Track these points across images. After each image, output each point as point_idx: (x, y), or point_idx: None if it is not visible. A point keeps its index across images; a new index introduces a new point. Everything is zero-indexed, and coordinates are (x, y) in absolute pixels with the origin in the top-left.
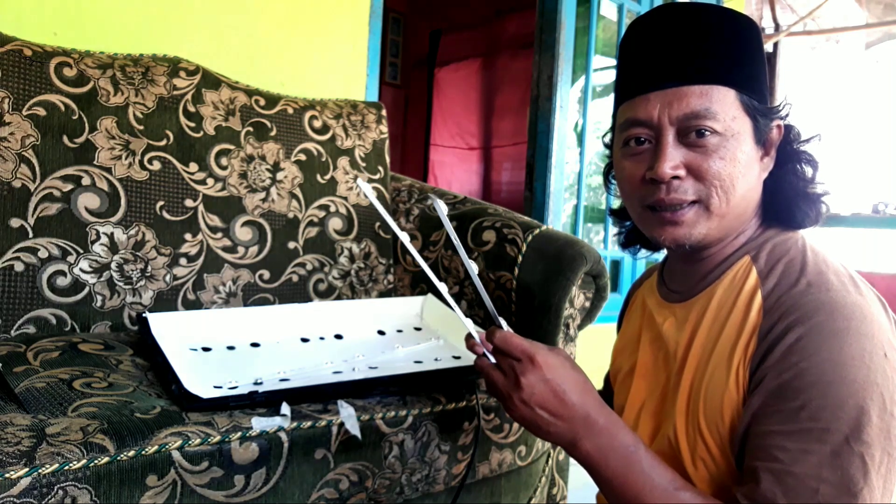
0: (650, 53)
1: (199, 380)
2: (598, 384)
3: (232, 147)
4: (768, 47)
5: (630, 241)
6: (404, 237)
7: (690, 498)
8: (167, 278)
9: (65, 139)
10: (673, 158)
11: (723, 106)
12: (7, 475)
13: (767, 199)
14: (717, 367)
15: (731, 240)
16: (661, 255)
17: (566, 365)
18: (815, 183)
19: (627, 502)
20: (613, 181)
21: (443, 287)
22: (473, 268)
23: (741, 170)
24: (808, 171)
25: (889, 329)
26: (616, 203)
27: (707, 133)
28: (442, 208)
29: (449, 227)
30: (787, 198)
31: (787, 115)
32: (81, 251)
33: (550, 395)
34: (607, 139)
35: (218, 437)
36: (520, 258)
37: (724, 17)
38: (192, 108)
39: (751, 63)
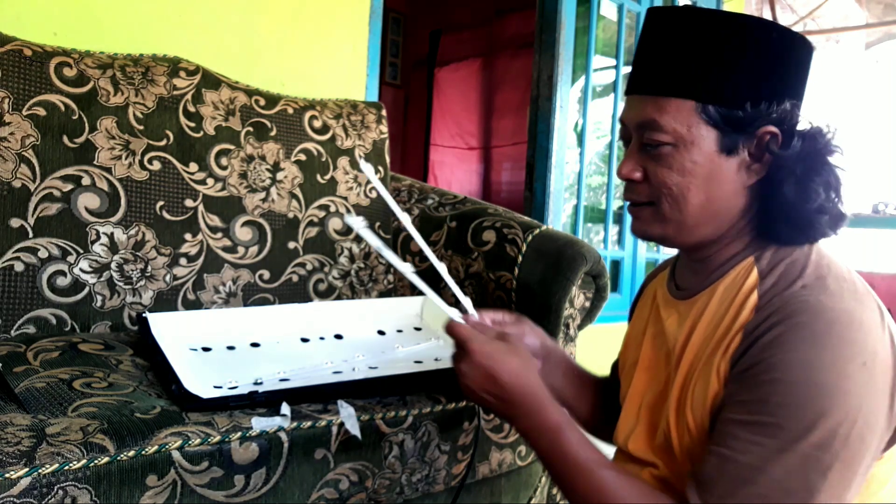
0: (637, 58)
1: (199, 380)
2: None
3: (232, 147)
4: None
5: None
6: (405, 218)
7: (611, 477)
8: (167, 278)
9: (65, 139)
10: (630, 164)
11: (675, 117)
12: (7, 475)
13: (760, 205)
14: (707, 362)
15: (727, 243)
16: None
17: (501, 350)
18: (815, 199)
19: (556, 477)
20: None
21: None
22: (406, 220)
23: (694, 179)
24: (815, 181)
25: (881, 339)
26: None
27: (658, 143)
28: (368, 170)
29: (378, 183)
30: (768, 210)
31: (783, 120)
32: (81, 251)
33: (484, 380)
34: None
35: (218, 437)
36: (520, 258)
37: (702, 24)
38: (192, 108)
39: (722, 72)
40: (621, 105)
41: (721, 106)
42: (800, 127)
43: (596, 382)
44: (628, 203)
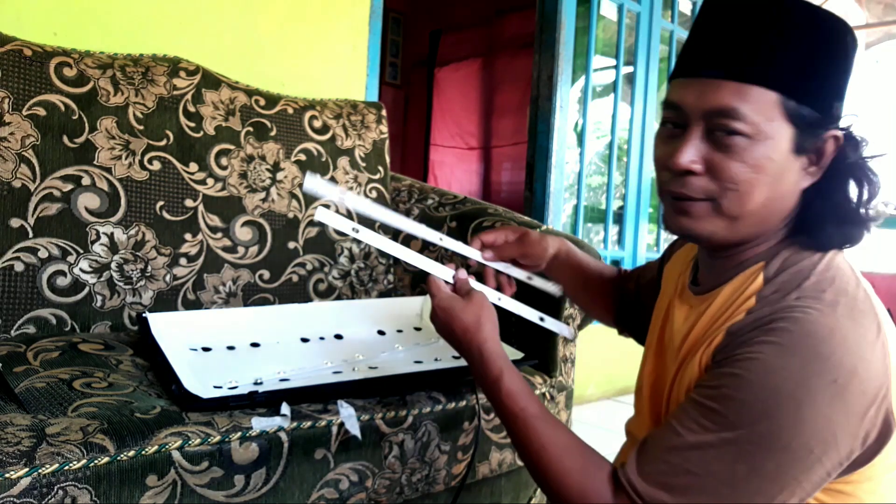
0: (704, 35)
1: (199, 380)
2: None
3: (232, 147)
4: None
5: None
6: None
7: (536, 426)
8: (167, 278)
9: (65, 139)
10: (692, 153)
11: (758, 107)
12: (7, 475)
13: (803, 210)
14: (695, 359)
15: (754, 245)
16: None
17: (457, 307)
18: (864, 205)
19: (503, 425)
20: None
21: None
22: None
23: (764, 177)
24: (863, 190)
25: (866, 360)
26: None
27: (734, 133)
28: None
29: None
30: (820, 215)
31: (847, 128)
32: (81, 251)
33: (444, 329)
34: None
35: (218, 437)
36: None
37: (800, 14)
38: (192, 108)
39: (812, 69)
40: (621, 105)
41: (802, 102)
42: (854, 131)
43: (608, 280)
44: (672, 197)
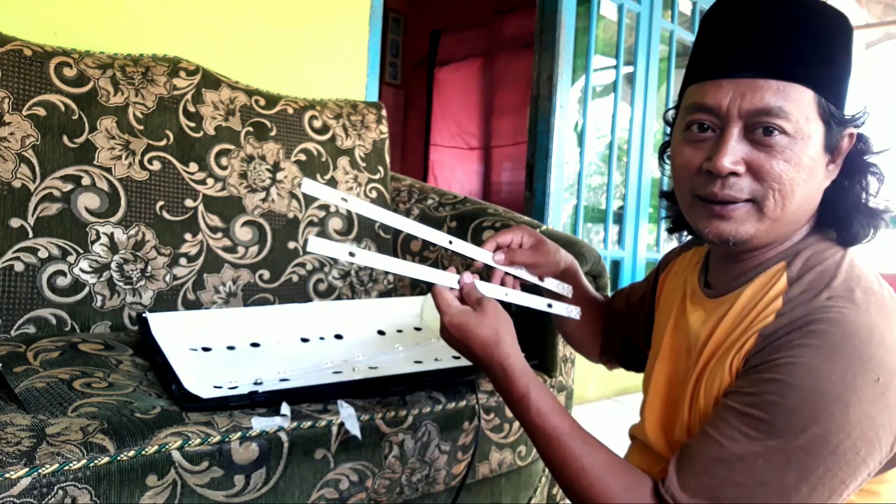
0: (733, 36)
1: (199, 380)
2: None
3: (232, 147)
4: None
5: (678, 226)
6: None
7: (572, 444)
8: (167, 278)
9: (65, 139)
10: (735, 153)
11: (798, 106)
12: (7, 475)
13: (824, 209)
14: (721, 362)
15: (776, 245)
16: None
17: (472, 323)
18: (878, 197)
19: (529, 437)
20: (668, 161)
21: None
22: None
23: (804, 175)
24: (874, 184)
25: None
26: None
27: (776, 132)
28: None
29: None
30: (846, 210)
31: (862, 124)
32: (81, 251)
33: (460, 346)
34: (669, 116)
35: (218, 437)
36: None
37: (819, 12)
38: (192, 108)
39: (836, 65)
40: (621, 105)
41: (831, 102)
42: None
43: (599, 305)
44: (709, 201)
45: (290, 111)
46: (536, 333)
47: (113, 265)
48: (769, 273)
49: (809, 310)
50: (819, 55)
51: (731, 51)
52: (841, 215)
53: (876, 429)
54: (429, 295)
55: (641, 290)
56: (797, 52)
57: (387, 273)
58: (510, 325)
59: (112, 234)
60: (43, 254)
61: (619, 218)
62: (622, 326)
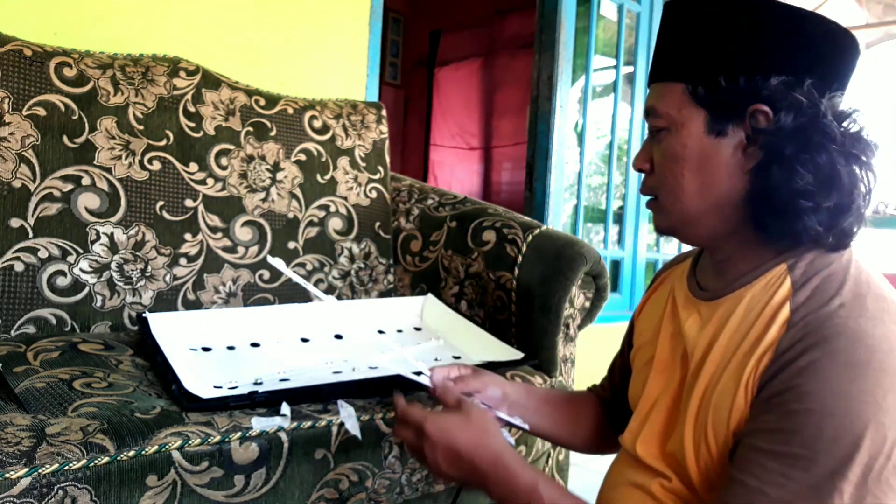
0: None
1: (199, 380)
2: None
3: (232, 147)
4: None
5: None
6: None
7: None
8: (167, 278)
9: (65, 139)
10: (641, 154)
11: (667, 101)
12: (7, 475)
13: (751, 190)
14: (731, 377)
15: (758, 243)
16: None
17: (456, 424)
18: (799, 182)
19: None
20: None
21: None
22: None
23: (683, 164)
24: (807, 168)
25: None
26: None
27: (661, 130)
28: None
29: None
30: (768, 197)
31: (775, 97)
32: (81, 251)
33: (447, 457)
34: None
35: (218, 437)
36: (520, 258)
37: (697, 8)
38: (192, 108)
39: (708, 50)
40: (621, 105)
41: (707, 85)
42: (798, 104)
43: (577, 401)
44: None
45: (290, 111)
46: (536, 333)
47: (113, 265)
48: (770, 276)
49: (822, 320)
50: (690, 48)
51: (652, 62)
52: (767, 203)
53: None
54: (429, 295)
55: (621, 359)
56: (671, 52)
57: (387, 273)
58: (495, 423)
59: (112, 234)
60: (43, 254)
61: (619, 218)
62: (621, 394)
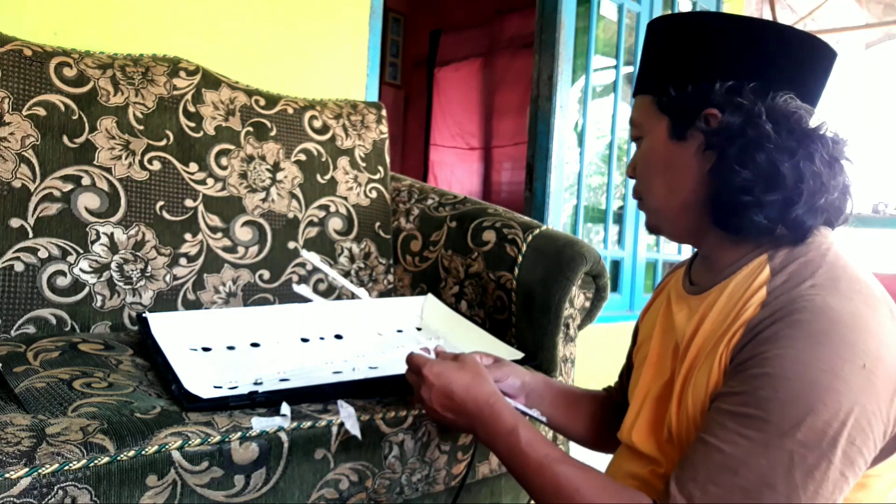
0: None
1: (199, 380)
2: (599, 383)
3: (232, 147)
4: None
5: None
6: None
7: (563, 470)
8: (167, 278)
9: (65, 139)
10: (631, 161)
11: (641, 111)
12: (7, 475)
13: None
14: (709, 356)
15: (740, 239)
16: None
17: (452, 368)
18: (738, 180)
19: (519, 478)
20: None
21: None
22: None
23: (654, 167)
24: (748, 166)
25: (888, 345)
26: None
27: (638, 138)
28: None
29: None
30: (718, 194)
31: (725, 101)
32: (81, 251)
33: (441, 398)
34: None
35: (218, 437)
36: (520, 258)
37: (671, 26)
38: (192, 108)
39: (669, 62)
40: (621, 105)
41: (667, 95)
42: (748, 107)
43: (592, 398)
44: None
45: (290, 111)
46: (536, 333)
47: (113, 265)
48: (751, 266)
49: (792, 297)
50: (656, 63)
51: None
52: (718, 201)
53: (867, 416)
54: (429, 295)
55: (627, 363)
56: (644, 68)
57: (387, 273)
58: (486, 372)
59: (112, 234)
60: (43, 254)
61: (619, 218)
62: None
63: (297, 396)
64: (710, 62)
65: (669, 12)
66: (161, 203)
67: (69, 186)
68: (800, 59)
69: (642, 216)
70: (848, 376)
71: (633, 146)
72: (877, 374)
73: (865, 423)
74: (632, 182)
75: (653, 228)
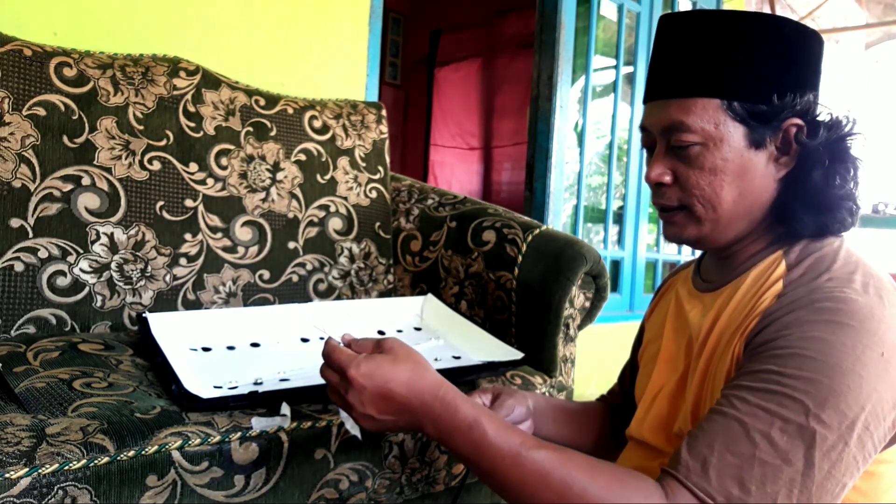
0: (655, 64)
1: (199, 380)
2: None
3: (232, 147)
4: None
5: None
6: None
7: (544, 456)
8: (167, 278)
9: (65, 139)
10: (661, 166)
11: (702, 116)
12: (7, 475)
13: (778, 199)
14: (727, 347)
15: (761, 235)
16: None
17: (384, 363)
18: (838, 188)
19: (484, 474)
20: None
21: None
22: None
23: (725, 177)
24: (839, 171)
25: None
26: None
27: (688, 144)
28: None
29: None
30: (790, 202)
31: (807, 111)
32: (81, 251)
33: (378, 399)
34: None
35: (218, 437)
36: (520, 258)
37: (725, 23)
38: (192, 108)
39: (746, 67)
40: (621, 105)
41: (745, 101)
42: (821, 117)
43: (592, 410)
44: (659, 209)
45: (290, 111)
46: (536, 333)
47: (113, 265)
48: (767, 261)
49: (811, 289)
50: (722, 64)
51: (652, 78)
52: (785, 207)
53: (882, 403)
54: (429, 295)
55: (629, 367)
56: (697, 68)
57: (387, 273)
58: (423, 357)
59: (112, 234)
60: (43, 254)
61: (619, 218)
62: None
63: (297, 396)
64: (791, 71)
65: (669, 12)
66: (161, 203)
67: (69, 186)
68: (820, 58)
69: (643, 217)
70: (868, 363)
71: (634, 137)
72: (892, 364)
73: (880, 410)
74: (635, 176)
75: (696, 238)
